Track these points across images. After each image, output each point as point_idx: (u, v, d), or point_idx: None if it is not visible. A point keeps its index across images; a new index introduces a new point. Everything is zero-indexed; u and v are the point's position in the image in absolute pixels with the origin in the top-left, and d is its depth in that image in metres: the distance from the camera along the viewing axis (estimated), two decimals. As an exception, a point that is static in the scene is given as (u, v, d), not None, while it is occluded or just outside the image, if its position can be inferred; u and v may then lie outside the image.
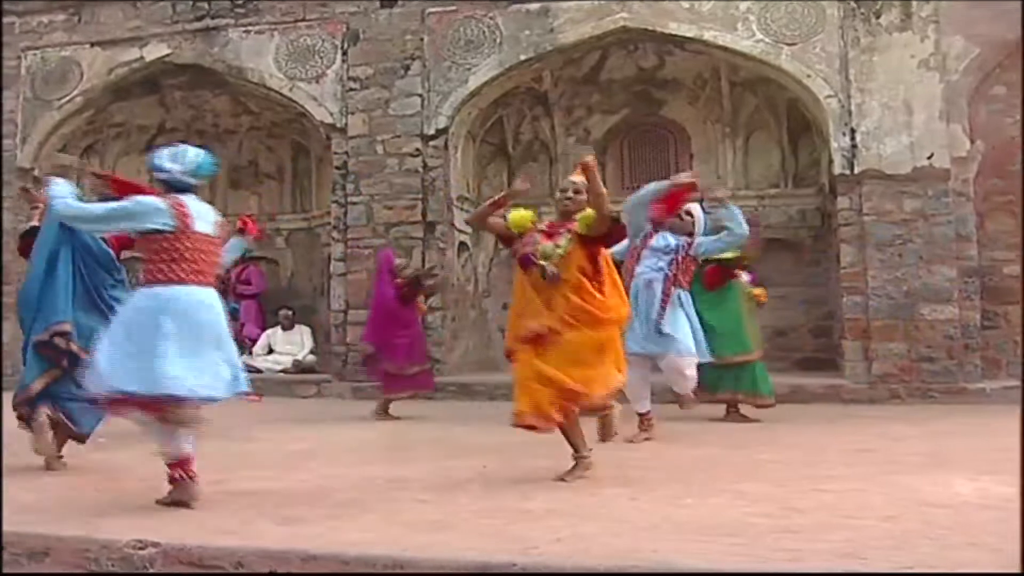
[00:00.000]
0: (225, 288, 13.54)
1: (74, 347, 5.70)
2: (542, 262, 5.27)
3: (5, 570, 3.84)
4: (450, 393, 10.84)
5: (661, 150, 13.13)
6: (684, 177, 6.95)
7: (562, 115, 13.03)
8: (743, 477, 5.23)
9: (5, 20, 13.24)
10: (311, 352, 12.79)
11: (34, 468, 5.73)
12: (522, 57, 11.56)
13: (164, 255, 4.52)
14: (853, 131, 10.45)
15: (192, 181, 4.76)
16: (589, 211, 5.26)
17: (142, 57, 12.73)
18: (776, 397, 9.58)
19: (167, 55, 12.66)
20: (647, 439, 7.03)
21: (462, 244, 12.43)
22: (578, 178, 5.36)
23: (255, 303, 13.95)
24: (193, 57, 12.60)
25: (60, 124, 13.15)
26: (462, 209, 12.37)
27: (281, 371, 12.50)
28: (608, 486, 4.94)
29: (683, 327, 7.35)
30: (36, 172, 13.18)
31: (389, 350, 9.10)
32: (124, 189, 5.50)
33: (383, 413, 8.96)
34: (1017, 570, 3.27)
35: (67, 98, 13.01)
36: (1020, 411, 7.58)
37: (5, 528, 3.96)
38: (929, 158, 10.28)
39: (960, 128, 10.42)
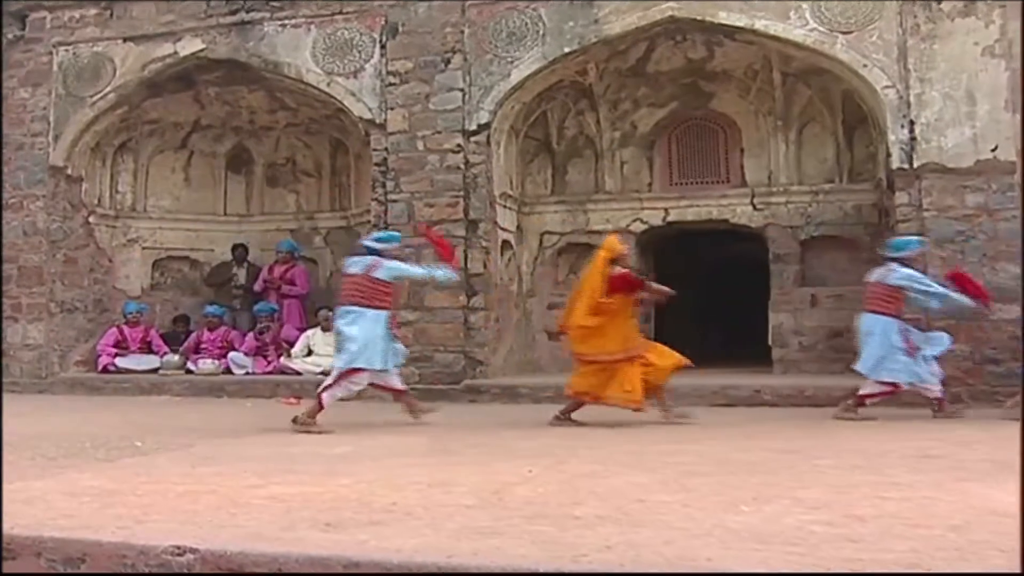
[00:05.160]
0: (268, 289, 13.76)
1: None
2: None
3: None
4: (493, 395, 10.85)
5: (710, 145, 13.07)
6: None
7: (608, 109, 12.99)
8: (800, 482, 5.17)
9: (36, 15, 13.48)
10: (351, 354, 12.82)
11: (67, 469, 5.79)
12: (566, 49, 11.55)
13: None
14: (912, 123, 10.34)
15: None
16: None
17: (176, 52, 12.89)
18: (832, 399, 9.54)
19: (201, 50, 12.80)
20: None
21: (505, 243, 12.43)
22: None
23: (298, 304, 14.05)
24: (228, 52, 12.72)
25: (93, 121, 13.34)
26: (505, 207, 12.38)
27: (320, 373, 12.53)
28: (659, 492, 4.91)
29: None
30: (69, 171, 13.37)
31: None
32: None
33: None
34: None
35: (100, 95, 13.19)
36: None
37: (44, 534, 4.00)
38: (993, 150, 10.14)
39: (1026, 118, 10.27)
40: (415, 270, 9.02)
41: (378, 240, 8.93)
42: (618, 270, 8.52)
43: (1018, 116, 10.24)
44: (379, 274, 8.51)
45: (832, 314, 12.09)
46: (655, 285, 8.78)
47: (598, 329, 8.44)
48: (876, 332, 8.94)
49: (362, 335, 8.38)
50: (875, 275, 9.24)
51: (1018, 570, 3.28)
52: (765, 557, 3.50)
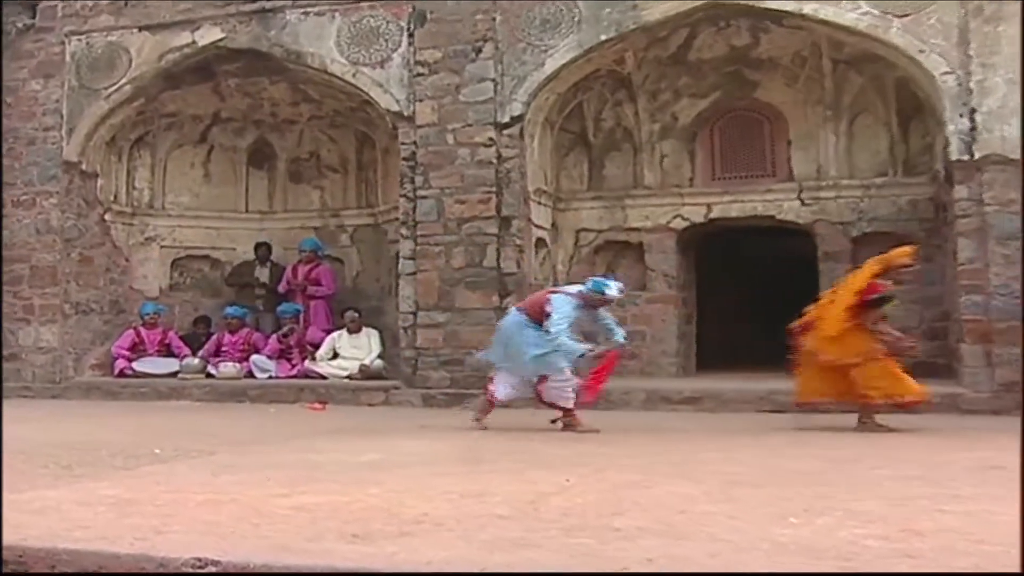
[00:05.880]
0: (292, 289, 13.80)
1: None
2: None
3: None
4: (528, 401, 10.81)
5: (755, 137, 12.96)
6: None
7: (647, 100, 12.92)
8: (854, 494, 5.14)
9: (46, 3, 13.57)
10: (379, 357, 12.87)
11: (82, 478, 5.83)
12: (603, 37, 11.51)
13: None
14: (973, 111, 10.22)
15: None
16: None
17: (194, 42, 12.94)
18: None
19: (220, 39, 12.84)
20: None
21: (540, 241, 12.41)
22: None
23: (324, 305, 14.08)
24: (248, 41, 12.76)
25: (108, 114, 13.41)
26: (539, 203, 12.36)
27: (347, 377, 12.61)
28: (704, 502, 4.90)
29: None
30: (83, 166, 13.46)
31: None
32: None
33: None
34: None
35: (115, 86, 13.26)
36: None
37: (58, 546, 4.03)
38: (1061, 140, 10.02)
39: (1099, 106, 10.12)
40: (558, 332, 8.76)
41: (595, 286, 9.05)
42: (879, 283, 8.63)
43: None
44: (549, 306, 8.85)
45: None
46: (890, 330, 8.80)
47: (842, 335, 8.62)
48: None
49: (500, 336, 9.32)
50: None
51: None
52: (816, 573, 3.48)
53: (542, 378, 8.88)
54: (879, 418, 8.57)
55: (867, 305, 8.60)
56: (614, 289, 9.11)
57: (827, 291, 9.16)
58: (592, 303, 8.98)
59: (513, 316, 9.24)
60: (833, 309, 8.77)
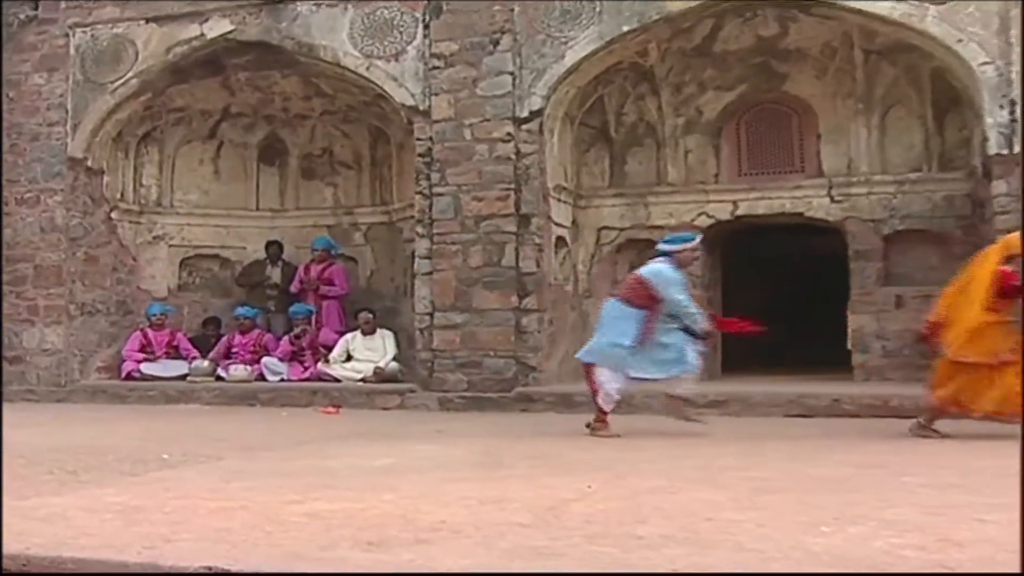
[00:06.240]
0: (305, 289, 13.81)
1: None
2: None
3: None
4: (547, 404, 10.84)
5: (784, 131, 12.92)
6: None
7: (670, 93, 12.89)
8: (887, 502, 5.10)
9: (52, -6, 13.64)
10: (393, 359, 12.88)
11: (88, 484, 5.84)
12: (625, 28, 11.49)
13: None
14: (1013, 103, 10.14)
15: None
16: None
17: (203, 34, 12.97)
18: (920, 410, 9.42)
19: (230, 32, 12.87)
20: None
21: (560, 239, 12.40)
22: None
23: (337, 305, 14.11)
24: (259, 33, 12.79)
25: (114, 109, 13.46)
26: (559, 200, 12.34)
27: (361, 380, 12.61)
28: (730, 510, 4.87)
29: None
30: (89, 163, 13.50)
31: None
32: None
33: None
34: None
35: (121, 80, 13.29)
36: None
37: (64, 554, 4.04)
38: (1106, 133, 9.95)
39: None
40: (685, 301, 8.70)
41: (668, 242, 9.06)
42: (1008, 268, 8.41)
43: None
44: (653, 282, 8.70)
45: (920, 316, 11.84)
46: None
47: (980, 330, 8.35)
48: None
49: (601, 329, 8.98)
50: None
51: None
52: (851, 583, 3.47)
53: (589, 366, 8.82)
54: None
55: (1009, 294, 8.33)
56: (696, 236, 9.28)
57: (951, 284, 8.83)
58: (684, 261, 8.93)
59: (611, 305, 9.07)
60: (968, 302, 8.44)
